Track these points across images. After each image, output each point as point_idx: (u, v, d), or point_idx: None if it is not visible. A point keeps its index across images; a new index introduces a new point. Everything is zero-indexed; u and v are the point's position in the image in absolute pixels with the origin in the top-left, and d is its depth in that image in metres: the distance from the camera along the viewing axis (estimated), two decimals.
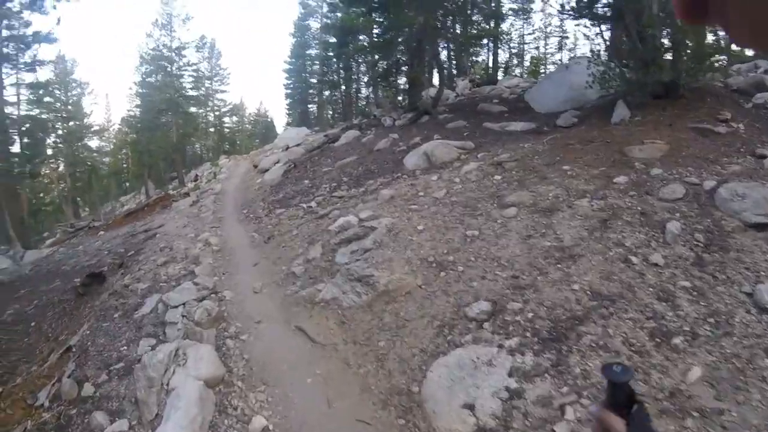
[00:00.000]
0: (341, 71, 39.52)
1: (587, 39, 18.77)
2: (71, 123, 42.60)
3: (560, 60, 41.97)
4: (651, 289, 5.29)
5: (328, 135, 21.88)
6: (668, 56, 10.78)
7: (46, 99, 39.83)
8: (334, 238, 8.72)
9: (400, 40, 20.62)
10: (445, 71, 25.41)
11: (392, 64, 21.48)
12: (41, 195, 41.02)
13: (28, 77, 31.34)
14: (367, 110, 27.73)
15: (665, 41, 11.09)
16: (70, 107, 42.85)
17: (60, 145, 40.88)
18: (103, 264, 13.16)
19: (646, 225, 6.38)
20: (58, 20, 29.24)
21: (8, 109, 30.14)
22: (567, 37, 44.05)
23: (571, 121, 12.68)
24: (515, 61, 41.49)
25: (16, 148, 30.34)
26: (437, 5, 19.56)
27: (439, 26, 19.63)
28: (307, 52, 41.66)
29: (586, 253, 6.15)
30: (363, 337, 5.96)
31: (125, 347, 7.09)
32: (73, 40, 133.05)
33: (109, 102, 52.65)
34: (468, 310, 5.66)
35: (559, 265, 6.08)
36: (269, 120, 56.36)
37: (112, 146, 51.86)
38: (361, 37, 33.37)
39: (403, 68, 22.35)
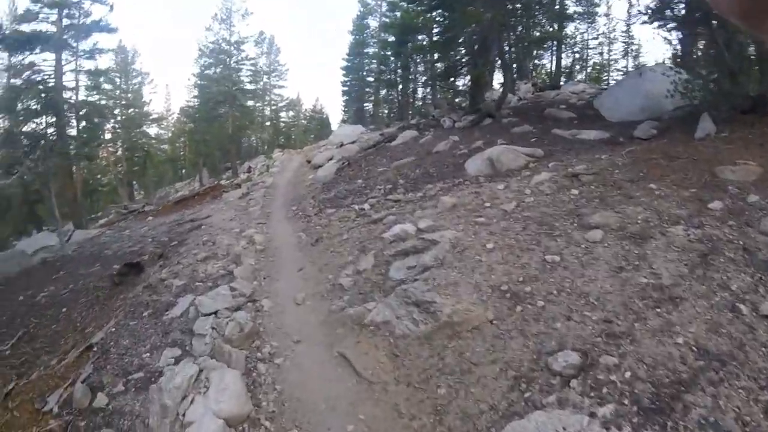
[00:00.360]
0: (398, 70, 38.53)
1: (669, 44, 17.00)
2: (130, 110, 43.35)
3: (625, 67, 39.91)
4: (763, 349, 4.11)
5: (384, 134, 20.88)
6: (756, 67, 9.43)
7: (106, 86, 40.61)
8: (388, 248, 7.64)
9: (461, 39, 19.39)
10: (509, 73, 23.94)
11: (452, 64, 20.20)
12: (98, 176, 41.90)
13: (88, 64, 31.71)
14: (424, 110, 26.61)
15: (752, 50, 9.74)
16: (129, 95, 43.56)
17: (118, 131, 41.54)
18: (144, 252, 12.61)
19: (750, 264, 5.17)
20: (111, 7, 29.42)
21: (67, 94, 30.51)
22: (632, 43, 41.86)
23: (650, 133, 11.39)
24: (578, 67, 39.52)
25: (73, 131, 30.71)
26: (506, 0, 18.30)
27: (505, 24, 18.28)
28: (365, 50, 40.85)
29: (688, 296, 4.92)
30: (419, 378, 4.85)
31: (148, 354, 6.30)
32: (135, 31, 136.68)
33: (170, 92, 53.71)
34: (551, 360, 4.47)
35: (658, 310, 4.85)
36: (324, 116, 55.97)
37: (170, 134, 52.67)
38: (420, 37, 32.41)
39: (464, 68, 21.05)
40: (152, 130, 49.90)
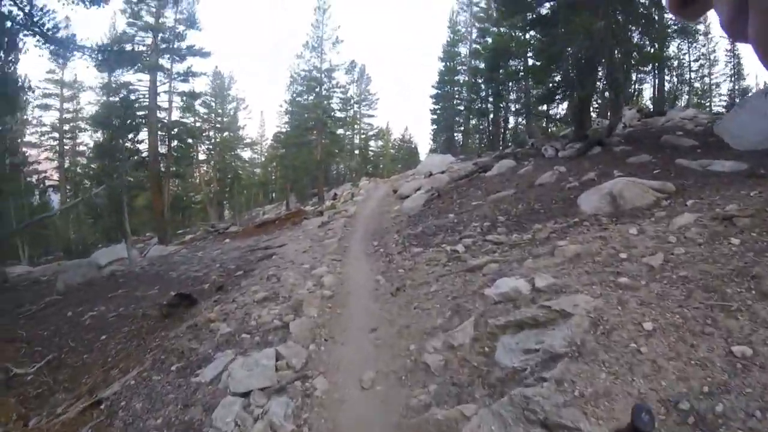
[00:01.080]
0: (490, 98, 36.33)
1: None
2: (225, 133, 44.04)
3: (730, 90, 35.53)
4: None
5: (477, 163, 18.72)
6: None
7: (200, 109, 41.62)
8: (492, 313, 5.49)
9: (563, 58, 16.94)
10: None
11: (553, 86, 17.77)
12: (192, 194, 42.77)
13: (182, 87, 32.19)
14: (521, 138, 24.22)
15: None
16: (225, 119, 44.30)
17: (211, 152, 42.22)
18: (207, 279, 11.33)
19: None
20: (198, 27, 29.94)
21: (161, 114, 30.98)
22: (738, 63, 37.30)
23: None
24: (684, 90, 35.51)
25: (164, 149, 31.05)
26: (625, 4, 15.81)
27: (617, 37, 15.68)
28: (456, 77, 38.90)
29: None
30: None
31: None
32: (232, 59, 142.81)
33: (264, 118, 54.17)
34: None
35: None
36: (413, 146, 54.59)
37: (263, 159, 53.31)
38: (512, 63, 30.17)
39: (565, 91, 18.51)
40: (246, 154, 50.79)
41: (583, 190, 10.53)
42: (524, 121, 37.58)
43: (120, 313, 9.73)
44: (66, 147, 38.14)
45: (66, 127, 37.98)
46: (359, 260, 10.30)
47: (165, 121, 31.00)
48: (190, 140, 33.38)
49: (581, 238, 7.77)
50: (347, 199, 24.66)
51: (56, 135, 37.88)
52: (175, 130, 31.59)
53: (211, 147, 42.70)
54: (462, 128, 40.30)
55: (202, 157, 42.85)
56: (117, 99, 30.33)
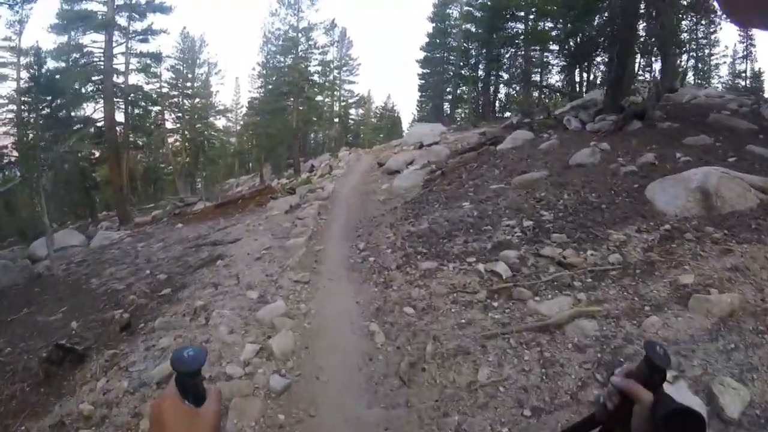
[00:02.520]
0: (481, 64, 32.38)
1: None
2: (196, 100, 39.31)
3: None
4: None
5: (485, 134, 14.89)
6: None
7: (168, 74, 36.99)
8: None
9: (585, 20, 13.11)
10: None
11: (590, 39, 13.98)
12: (163, 165, 38.26)
13: (142, 47, 27.48)
14: (528, 106, 20.53)
15: None
16: (194, 84, 39.48)
17: (180, 121, 37.69)
18: (123, 300, 7.60)
19: None
20: None
21: (118, 80, 26.34)
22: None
23: None
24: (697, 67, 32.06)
25: (120, 117, 26.53)
26: None
27: None
28: (446, 41, 34.35)
29: None
30: None
31: None
32: (204, 21, 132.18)
33: (239, 84, 48.68)
34: None
35: None
36: (396, 115, 50.09)
37: (238, 127, 48.61)
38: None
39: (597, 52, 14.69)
40: (220, 122, 46.13)
41: (646, 177, 7.72)
42: (515, 91, 33.87)
43: (1, 361, 6.08)
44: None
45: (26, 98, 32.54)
46: (337, 281, 6.47)
47: (123, 86, 26.22)
48: (150, 107, 28.79)
49: (708, 267, 4.48)
50: (325, 172, 20.68)
51: (13, 107, 32.52)
52: (133, 96, 26.87)
53: (179, 115, 38.04)
54: (450, 96, 36.02)
55: (170, 125, 38.24)
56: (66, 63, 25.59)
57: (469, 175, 10.70)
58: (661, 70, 14.20)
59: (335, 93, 43.12)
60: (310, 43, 32.05)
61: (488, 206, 8.11)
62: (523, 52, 27.39)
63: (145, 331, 5.83)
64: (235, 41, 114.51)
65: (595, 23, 16.22)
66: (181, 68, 38.49)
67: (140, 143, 29.69)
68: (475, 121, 23.62)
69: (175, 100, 38.13)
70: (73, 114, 26.21)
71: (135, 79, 28.19)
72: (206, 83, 41.39)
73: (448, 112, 35.41)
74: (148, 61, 27.51)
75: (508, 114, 30.00)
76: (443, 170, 11.08)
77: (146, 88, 36.00)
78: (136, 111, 27.78)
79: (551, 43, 26.80)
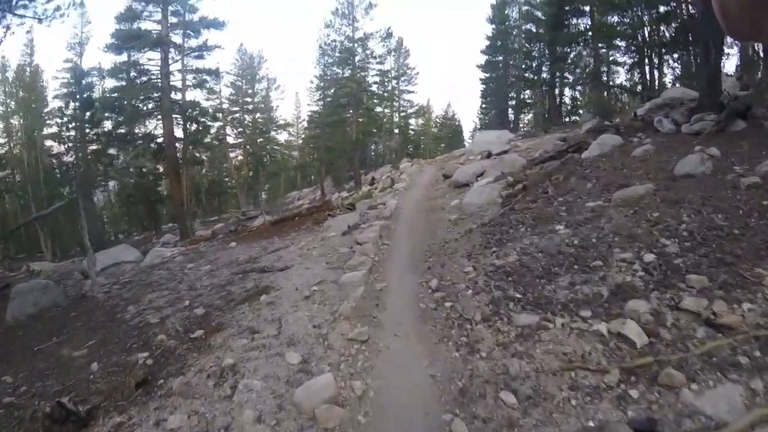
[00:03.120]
0: (544, 66, 30.04)
1: None
2: (257, 115, 39.19)
3: None
4: None
5: (566, 139, 12.97)
6: None
7: (228, 90, 37.04)
8: None
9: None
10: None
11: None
12: (227, 179, 38.38)
13: (197, 63, 27.23)
14: (607, 107, 18.32)
15: None
16: (254, 99, 39.36)
17: (240, 137, 37.61)
18: (152, 340, 6.48)
19: None
20: None
21: (176, 96, 26.12)
22: None
23: None
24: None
25: (180, 134, 26.29)
26: None
27: None
28: (507, 42, 32.10)
29: None
30: None
31: None
32: (262, 37, 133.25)
33: (299, 99, 48.57)
34: None
35: None
36: (457, 123, 48.12)
37: (300, 141, 48.34)
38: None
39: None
40: (281, 137, 46.00)
41: None
42: (582, 92, 31.24)
43: (13, 402, 5.11)
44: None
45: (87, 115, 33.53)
46: (404, 339, 4.84)
47: (180, 102, 25.98)
48: (209, 122, 28.55)
49: None
50: (386, 185, 19.24)
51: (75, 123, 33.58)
52: (190, 111, 26.60)
53: (240, 130, 38.01)
54: (513, 102, 33.75)
55: (231, 140, 38.33)
56: (125, 81, 25.76)
57: (556, 190, 8.89)
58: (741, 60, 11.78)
59: (394, 103, 41.82)
60: (366, 52, 30.94)
61: (590, 231, 6.33)
62: (589, 50, 24.94)
63: (162, 394, 4.52)
64: (294, 56, 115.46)
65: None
66: (241, 84, 38.51)
67: (201, 158, 29.49)
68: (546, 127, 21.52)
69: (237, 115, 38.16)
70: (136, 131, 26.42)
71: (192, 95, 28.08)
72: (266, 98, 41.28)
73: (512, 118, 33.23)
74: (205, 77, 27.15)
75: (576, 117, 27.62)
76: (524, 184, 9.30)
77: (206, 104, 36.58)
78: (195, 126, 27.52)
79: (619, 39, 24.30)
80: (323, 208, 14.76)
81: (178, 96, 26.27)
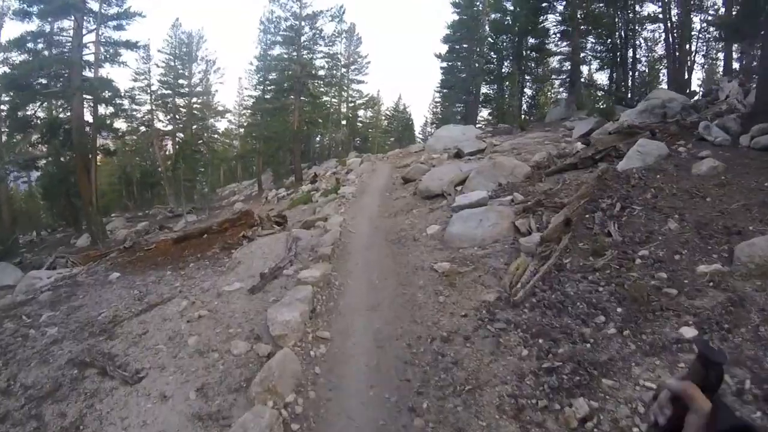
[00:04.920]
0: (505, 60, 26.43)
1: None
2: (193, 100, 33.56)
3: None
4: None
5: (589, 141, 8.96)
6: None
7: (158, 70, 31.55)
8: None
9: None
10: None
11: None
12: (160, 170, 32.50)
13: (115, 35, 21.76)
14: (606, 107, 14.73)
15: None
16: (185, 82, 33.69)
17: (175, 122, 32.60)
18: None
19: None
20: None
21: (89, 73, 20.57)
22: None
23: None
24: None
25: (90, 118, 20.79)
26: None
27: None
28: (475, 32, 27.95)
29: None
30: None
31: None
32: (205, 15, 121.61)
33: (242, 85, 42.40)
34: None
35: None
36: (408, 116, 43.88)
37: (242, 130, 42.71)
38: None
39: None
40: (222, 124, 40.38)
41: None
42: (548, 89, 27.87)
43: None
44: None
45: None
46: None
47: (90, 80, 20.26)
48: (126, 104, 23.04)
49: None
50: (330, 187, 14.74)
51: None
52: (107, 93, 20.94)
53: (171, 116, 32.37)
54: (470, 97, 29.63)
55: (160, 126, 32.66)
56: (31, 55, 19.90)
57: (622, 231, 4.91)
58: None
59: (343, 93, 37.09)
60: (314, 32, 26.00)
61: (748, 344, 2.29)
62: (568, 43, 21.39)
63: None
64: (239, 36, 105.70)
65: None
66: (173, 64, 32.69)
67: (111, 147, 23.86)
68: (522, 123, 17.75)
69: (168, 99, 32.43)
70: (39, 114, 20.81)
71: (108, 73, 22.40)
72: (205, 82, 35.57)
73: (462, 114, 29.16)
74: (122, 50, 21.59)
75: (536, 115, 24.13)
76: (566, 216, 5.18)
77: (134, 85, 30.86)
78: (109, 109, 21.97)
79: (601, 30, 20.95)
80: (241, 222, 10.17)
81: (91, 74, 20.67)
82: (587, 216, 5.53)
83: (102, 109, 21.87)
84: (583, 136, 12.16)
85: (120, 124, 24.80)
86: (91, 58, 20.93)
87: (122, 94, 22.19)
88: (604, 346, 3.38)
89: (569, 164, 7.65)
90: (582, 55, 21.87)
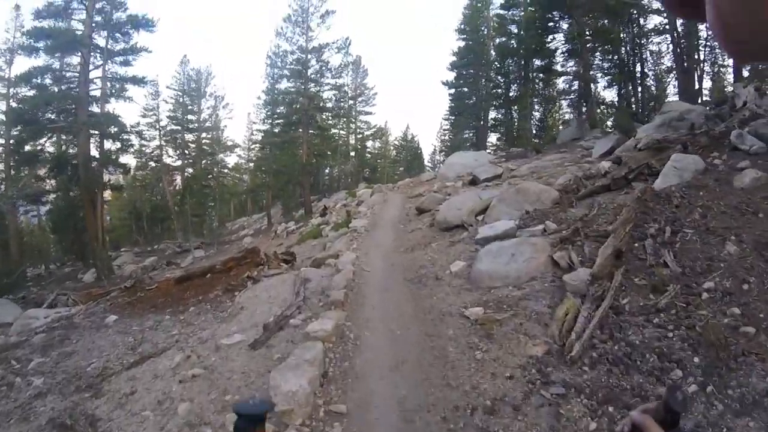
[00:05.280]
0: (514, 82, 25.90)
1: None
2: (203, 135, 33.51)
3: None
4: None
5: (620, 160, 8.19)
6: None
7: (167, 106, 31.72)
8: None
9: None
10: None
11: None
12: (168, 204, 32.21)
13: (121, 71, 21.64)
14: (625, 122, 14.05)
15: None
16: (194, 117, 33.71)
17: (185, 157, 32.47)
18: None
19: None
20: None
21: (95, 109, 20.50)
22: None
23: None
24: None
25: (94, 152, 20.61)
26: None
27: None
28: (481, 56, 27.51)
29: None
30: None
31: None
32: (214, 52, 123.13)
33: (251, 119, 42.35)
34: None
35: None
36: (416, 146, 43.40)
37: (251, 164, 42.57)
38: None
39: None
40: (231, 159, 40.18)
41: None
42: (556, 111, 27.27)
43: None
44: None
45: None
46: None
47: (97, 115, 20.21)
48: (130, 141, 22.65)
49: None
50: (341, 220, 14.05)
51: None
52: (114, 128, 20.71)
53: (180, 152, 32.20)
54: (480, 122, 29.05)
55: (169, 161, 32.47)
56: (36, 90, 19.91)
57: (680, 261, 4.19)
58: None
59: (351, 125, 36.81)
60: (320, 64, 25.79)
61: None
62: (577, 61, 20.90)
63: None
64: (247, 72, 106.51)
65: None
66: (182, 100, 32.77)
67: (118, 183, 23.48)
68: (537, 147, 17.08)
69: (177, 135, 32.38)
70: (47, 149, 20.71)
71: (112, 108, 22.13)
72: (214, 117, 35.58)
73: (474, 140, 28.56)
74: (128, 86, 21.46)
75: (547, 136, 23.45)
76: (617, 248, 4.42)
77: (143, 121, 30.87)
78: (115, 145, 21.71)
79: (608, 46, 20.51)
80: (247, 260, 9.47)
81: (98, 109, 20.58)
82: (636, 244, 4.77)
83: (109, 145, 21.57)
84: (605, 155, 11.48)
85: (129, 159, 24.51)
86: (97, 93, 20.87)
87: (129, 130, 21.89)
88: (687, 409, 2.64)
89: (601, 186, 6.90)
90: (590, 72, 21.37)
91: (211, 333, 5.81)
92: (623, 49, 21.06)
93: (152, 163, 32.06)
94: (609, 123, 17.74)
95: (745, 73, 15.93)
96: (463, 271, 5.87)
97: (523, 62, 23.90)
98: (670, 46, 19.32)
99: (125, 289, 11.29)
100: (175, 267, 17.88)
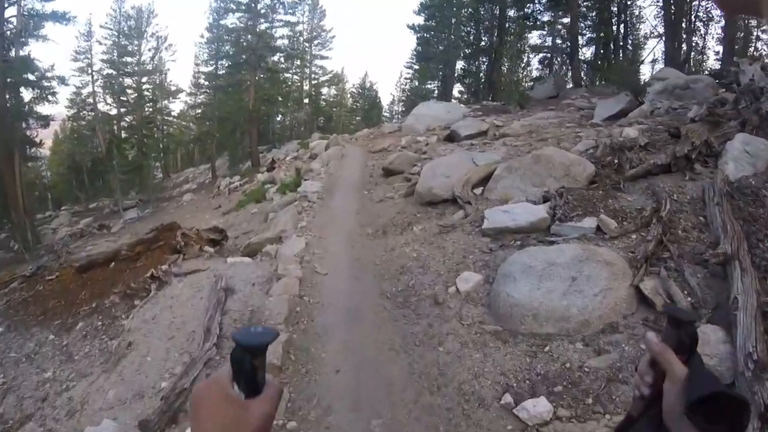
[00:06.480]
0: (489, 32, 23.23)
1: None
2: (143, 79, 29.32)
3: None
4: None
5: (678, 129, 5.95)
6: None
7: (100, 48, 27.75)
8: None
9: None
10: None
11: None
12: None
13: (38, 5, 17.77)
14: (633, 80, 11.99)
15: None
16: (133, 59, 29.44)
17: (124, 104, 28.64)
18: None
19: None
20: None
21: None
22: None
23: None
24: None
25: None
26: None
27: None
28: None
29: None
30: None
31: None
32: None
33: (197, 62, 37.80)
34: None
35: None
36: (375, 95, 40.22)
37: (198, 111, 38.51)
38: None
39: None
40: (177, 106, 36.33)
41: None
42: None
43: None
44: None
45: None
46: None
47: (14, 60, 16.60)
48: (55, 86, 18.71)
49: None
50: (288, 179, 11.40)
51: None
52: (35, 74, 16.93)
53: (116, 98, 28.13)
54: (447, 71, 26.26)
55: (105, 109, 28.73)
56: None
57: None
58: None
59: (305, 69, 33.26)
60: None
61: None
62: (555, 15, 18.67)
63: None
64: (195, 8, 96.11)
65: None
66: (119, 41, 28.43)
67: (36, 138, 19.54)
68: (521, 101, 14.77)
69: (114, 81, 28.28)
70: None
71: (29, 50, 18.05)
72: (156, 60, 31.23)
73: (440, 91, 25.84)
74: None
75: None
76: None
77: (74, 65, 26.61)
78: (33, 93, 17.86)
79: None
80: (160, 243, 6.85)
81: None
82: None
83: (27, 94, 17.83)
84: (611, 119, 9.42)
85: (58, 109, 20.93)
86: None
87: (48, 75, 18.05)
88: None
89: (659, 165, 4.71)
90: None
91: (82, 395, 3.38)
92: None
93: (86, 113, 28.44)
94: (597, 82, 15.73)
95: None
96: (478, 292, 3.62)
97: (498, 10, 21.29)
98: (661, 11, 17.55)
99: (25, 279, 8.46)
100: (106, 232, 16.37)
